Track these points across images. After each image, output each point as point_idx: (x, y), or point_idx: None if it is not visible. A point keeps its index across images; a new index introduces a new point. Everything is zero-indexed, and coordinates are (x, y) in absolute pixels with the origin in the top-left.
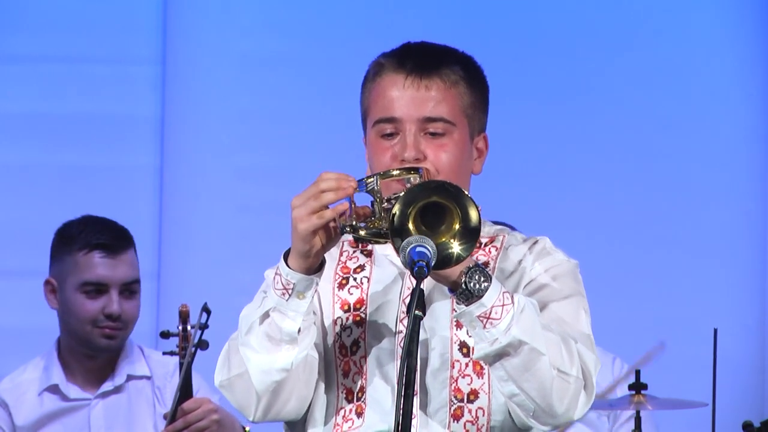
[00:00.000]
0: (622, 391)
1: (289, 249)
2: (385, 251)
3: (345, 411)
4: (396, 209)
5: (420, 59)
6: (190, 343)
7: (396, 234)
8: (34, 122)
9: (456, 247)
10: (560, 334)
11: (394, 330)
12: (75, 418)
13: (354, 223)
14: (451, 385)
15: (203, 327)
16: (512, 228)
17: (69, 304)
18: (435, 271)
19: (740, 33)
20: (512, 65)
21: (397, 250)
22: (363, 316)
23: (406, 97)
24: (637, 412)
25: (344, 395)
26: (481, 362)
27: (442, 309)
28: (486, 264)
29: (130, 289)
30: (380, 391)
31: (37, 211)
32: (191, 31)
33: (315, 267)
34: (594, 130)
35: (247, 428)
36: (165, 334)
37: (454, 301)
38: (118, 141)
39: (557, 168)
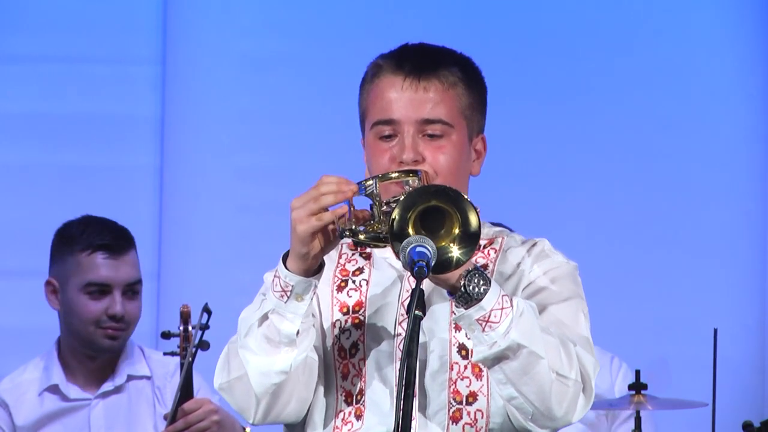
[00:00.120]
0: (621, 390)
1: (288, 251)
2: (383, 254)
3: (344, 413)
4: (396, 214)
5: (418, 61)
6: (191, 343)
7: (396, 238)
8: (34, 122)
9: (456, 251)
10: (559, 337)
11: (392, 333)
12: (75, 418)
13: (353, 226)
14: (449, 387)
15: (204, 327)
16: (510, 230)
17: (71, 304)
18: (434, 275)
19: (740, 33)
20: (512, 65)
21: (397, 254)
22: (362, 318)
23: (404, 99)
24: (637, 412)
25: (343, 398)
26: (480, 365)
27: (441, 311)
28: (485, 266)
29: (132, 289)
30: (379, 393)
31: (37, 211)
32: (191, 31)
33: (314, 269)
34: (594, 130)
35: (247, 429)
36: (166, 335)
37: (453, 304)
38: (118, 141)
39: (557, 168)
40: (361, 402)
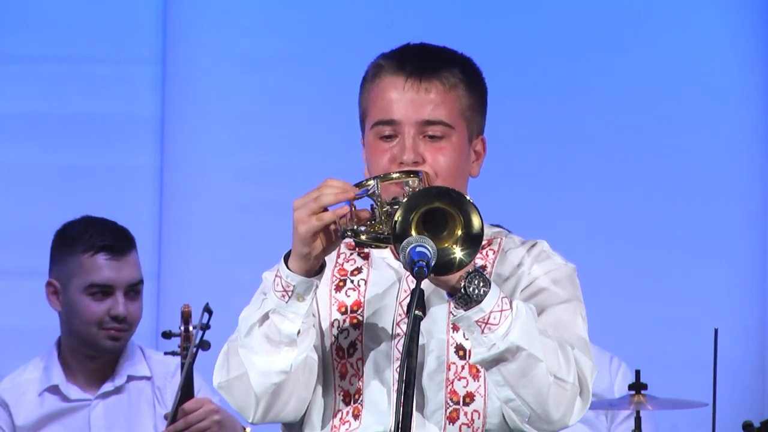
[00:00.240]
0: (621, 390)
1: (290, 251)
2: (382, 254)
3: (342, 413)
4: (398, 215)
5: (419, 61)
6: (191, 343)
7: (398, 240)
8: (34, 122)
9: (458, 253)
10: (557, 340)
11: (391, 333)
12: (75, 418)
13: (355, 227)
14: (447, 387)
15: (205, 327)
16: (508, 231)
17: (74, 305)
18: (435, 276)
19: (740, 33)
20: (512, 65)
21: (397, 255)
22: (360, 318)
23: (406, 100)
24: (637, 412)
25: (341, 397)
26: (478, 366)
27: (439, 312)
28: (483, 267)
29: (134, 289)
30: (377, 393)
31: (37, 211)
32: (191, 31)
33: (315, 269)
34: (594, 130)
35: (247, 429)
36: (166, 335)
37: (453, 305)
38: (118, 141)
39: (557, 168)
40: (359, 401)
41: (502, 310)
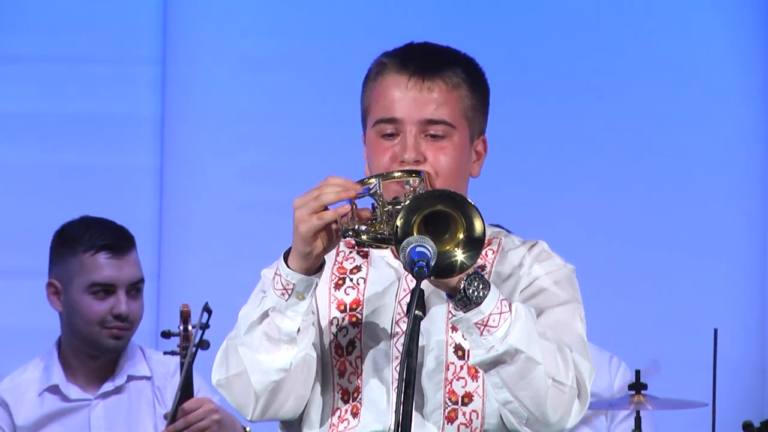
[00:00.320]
0: (621, 390)
1: (290, 249)
2: (381, 253)
3: (341, 411)
4: (400, 217)
5: (423, 60)
6: (191, 343)
7: (400, 242)
8: (34, 122)
9: (459, 256)
10: (556, 343)
11: (390, 332)
12: (75, 418)
13: (356, 226)
14: (445, 387)
15: (204, 327)
16: (508, 231)
17: (76, 305)
18: (436, 279)
19: (740, 33)
20: (512, 65)
21: (398, 255)
22: (359, 317)
23: (408, 99)
24: (637, 412)
25: (340, 395)
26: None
27: (438, 312)
28: (482, 267)
29: (136, 288)
30: (376, 391)
31: (37, 211)
32: (191, 31)
33: (315, 268)
34: (594, 130)
35: (247, 429)
36: (166, 334)
37: (452, 306)
38: (118, 141)
39: (557, 168)
40: (357, 400)
41: (501, 313)
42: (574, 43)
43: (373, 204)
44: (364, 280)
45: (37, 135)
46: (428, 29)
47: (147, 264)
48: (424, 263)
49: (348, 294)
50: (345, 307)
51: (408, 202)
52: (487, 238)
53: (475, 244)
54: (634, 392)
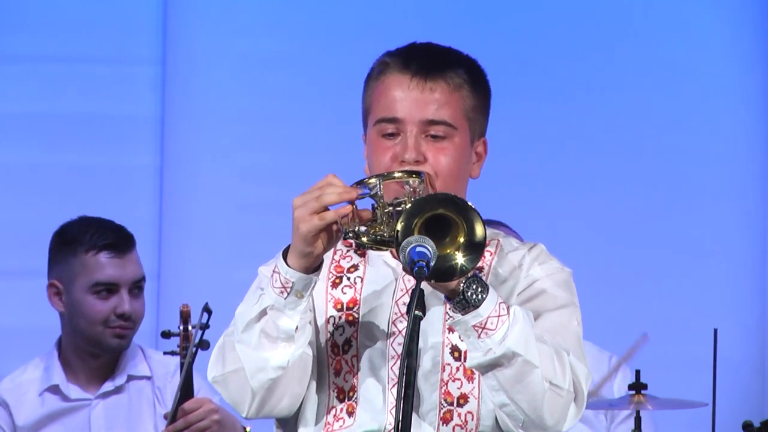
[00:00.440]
0: (621, 390)
1: (288, 247)
2: (379, 252)
3: (336, 410)
4: (401, 221)
5: (425, 61)
6: (191, 343)
7: (401, 245)
8: (34, 122)
9: (460, 259)
10: (553, 346)
11: (386, 331)
12: (75, 418)
13: (357, 227)
14: (441, 388)
15: (204, 327)
16: (506, 226)
17: (78, 305)
18: (436, 282)
19: (740, 33)
20: (512, 65)
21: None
22: (356, 315)
23: (410, 99)
24: (637, 412)
25: (335, 394)
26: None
27: (435, 312)
28: (480, 268)
29: (138, 286)
30: (372, 390)
31: (37, 211)
32: (191, 31)
33: (314, 266)
34: (594, 129)
35: (247, 429)
36: (166, 334)
37: (450, 308)
38: (118, 141)
39: (557, 168)
40: (353, 399)
41: (499, 316)
42: (575, 43)
43: (373, 205)
44: (362, 279)
45: (37, 135)
46: (428, 29)
47: (147, 264)
48: (424, 263)
49: (345, 293)
50: (342, 305)
51: (409, 205)
52: None
53: (475, 249)
54: (634, 392)
